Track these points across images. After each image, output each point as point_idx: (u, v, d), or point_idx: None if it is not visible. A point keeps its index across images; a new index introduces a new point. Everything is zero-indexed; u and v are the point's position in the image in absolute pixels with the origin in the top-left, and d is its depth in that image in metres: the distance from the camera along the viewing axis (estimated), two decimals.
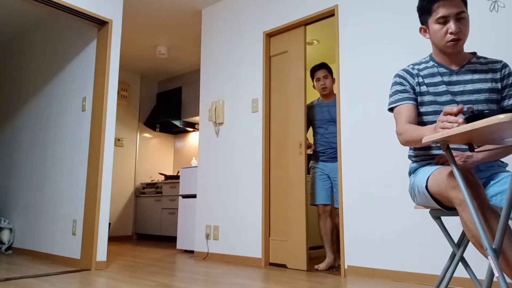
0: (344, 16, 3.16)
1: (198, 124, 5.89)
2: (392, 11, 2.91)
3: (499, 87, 1.57)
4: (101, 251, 3.13)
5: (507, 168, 2.08)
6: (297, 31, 3.51)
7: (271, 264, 3.36)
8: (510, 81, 1.57)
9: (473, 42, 2.49)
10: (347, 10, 3.14)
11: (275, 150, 3.52)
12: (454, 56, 1.61)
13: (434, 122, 1.58)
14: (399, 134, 1.57)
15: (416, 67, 1.68)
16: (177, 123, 5.91)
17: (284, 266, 3.28)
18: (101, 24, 3.47)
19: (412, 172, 1.69)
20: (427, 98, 1.61)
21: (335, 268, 3.17)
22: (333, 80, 3.48)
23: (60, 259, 3.42)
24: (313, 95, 4.18)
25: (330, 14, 3.27)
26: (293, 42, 3.52)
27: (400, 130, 1.57)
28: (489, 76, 1.57)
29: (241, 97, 3.78)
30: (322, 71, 3.44)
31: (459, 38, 1.53)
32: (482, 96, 1.55)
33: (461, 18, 1.53)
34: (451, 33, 1.53)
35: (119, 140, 6.02)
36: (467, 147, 1.52)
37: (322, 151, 3.34)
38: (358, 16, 3.08)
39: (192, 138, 6.35)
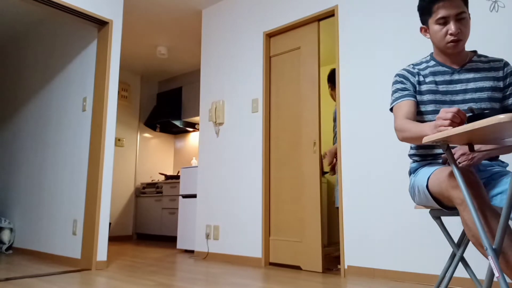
0: (344, 16, 3.16)
1: (198, 124, 5.89)
2: (392, 11, 2.91)
3: (501, 86, 1.56)
4: (101, 251, 3.13)
5: (507, 168, 2.08)
6: (306, 28, 3.45)
7: (275, 264, 3.36)
8: None
9: (473, 42, 2.49)
10: (347, 10, 3.14)
11: (286, 149, 3.42)
12: (454, 55, 1.60)
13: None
14: (398, 130, 1.54)
15: (417, 67, 1.68)
16: (177, 123, 5.91)
17: (298, 268, 3.18)
18: (102, 24, 3.47)
19: (412, 172, 1.69)
20: (426, 97, 1.61)
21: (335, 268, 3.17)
22: None
23: (60, 259, 3.42)
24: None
25: (330, 14, 3.27)
26: (305, 38, 3.44)
27: (398, 126, 1.54)
28: (490, 74, 1.56)
29: (241, 97, 3.78)
30: None
31: (459, 39, 1.52)
32: (484, 94, 1.54)
33: (461, 19, 1.52)
34: (451, 34, 1.52)
35: (119, 140, 6.02)
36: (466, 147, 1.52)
37: None
38: (358, 16, 3.08)
39: (192, 138, 6.34)
